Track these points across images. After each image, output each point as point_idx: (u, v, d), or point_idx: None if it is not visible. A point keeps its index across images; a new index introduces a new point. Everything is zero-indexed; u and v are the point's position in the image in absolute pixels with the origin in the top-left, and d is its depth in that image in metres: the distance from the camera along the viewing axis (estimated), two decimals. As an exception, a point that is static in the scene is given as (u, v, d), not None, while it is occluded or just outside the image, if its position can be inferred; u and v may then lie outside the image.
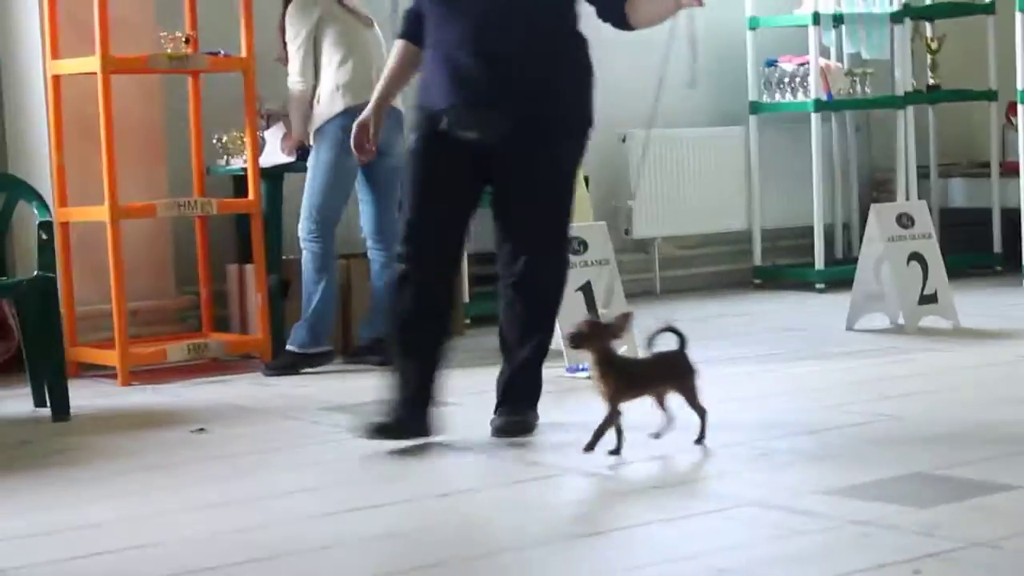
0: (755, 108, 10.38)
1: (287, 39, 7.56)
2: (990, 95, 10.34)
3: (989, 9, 10.29)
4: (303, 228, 7.51)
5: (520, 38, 5.56)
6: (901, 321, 8.03)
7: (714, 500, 4.81)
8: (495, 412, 5.80)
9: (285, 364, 7.45)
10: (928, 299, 8.08)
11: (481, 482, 5.28)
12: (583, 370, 6.80)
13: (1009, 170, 10.13)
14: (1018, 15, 9.88)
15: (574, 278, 6.84)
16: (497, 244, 5.86)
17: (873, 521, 4.27)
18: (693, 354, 5.51)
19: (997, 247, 10.39)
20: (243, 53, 7.63)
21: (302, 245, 7.60)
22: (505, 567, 4.12)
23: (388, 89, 6.03)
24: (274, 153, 7.58)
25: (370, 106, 5.90)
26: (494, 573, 4.14)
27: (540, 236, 5.78)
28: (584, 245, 7.24)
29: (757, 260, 10.48)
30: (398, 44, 5.93)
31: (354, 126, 5.87)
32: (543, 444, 5.69)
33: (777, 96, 10.27)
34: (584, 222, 7.46)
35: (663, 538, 4.38)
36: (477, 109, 5.57)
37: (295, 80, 7.55)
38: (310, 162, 7.61)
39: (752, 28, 10.38)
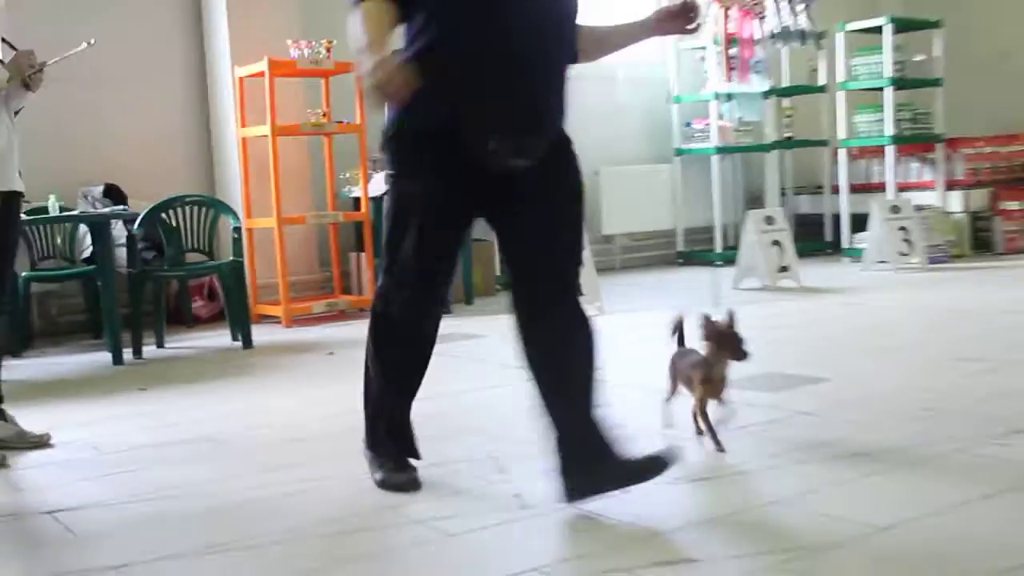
0: (678, 152, 10.45)
1: None
2: (823, 143, 10.38)
3: (823, 90, 10.30)
4: None
5: (558, 56, 3.20)
6: (767, 283, 8.10)
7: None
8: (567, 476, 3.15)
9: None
10: (784, 269, 8.22)
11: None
12: None
13: (834, 190, 10.20)
14: (839, 93, 9.96)
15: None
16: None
17: (748, 402, 4.27)
18: (645, 304, 5.54)
19: (828, 238, 10.42)
20: (358, 121, 7.71)
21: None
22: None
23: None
24: (378, 185, 7.68)
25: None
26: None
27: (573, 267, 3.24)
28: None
29: (680, 247, 10.56)
30: (370, 7, 3.07)
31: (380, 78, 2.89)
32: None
33: (692, 144, 10.31)
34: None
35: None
36: (529, 134, 3.09)
37: None
38: None
39: (676, 102, 10.44)
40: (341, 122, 7.83)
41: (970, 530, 2.67)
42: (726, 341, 3.55)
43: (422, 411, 3.39)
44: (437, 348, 3.26)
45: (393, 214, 3.21)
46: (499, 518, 2.96)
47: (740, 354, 3.53)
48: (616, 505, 2.96)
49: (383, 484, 3.37)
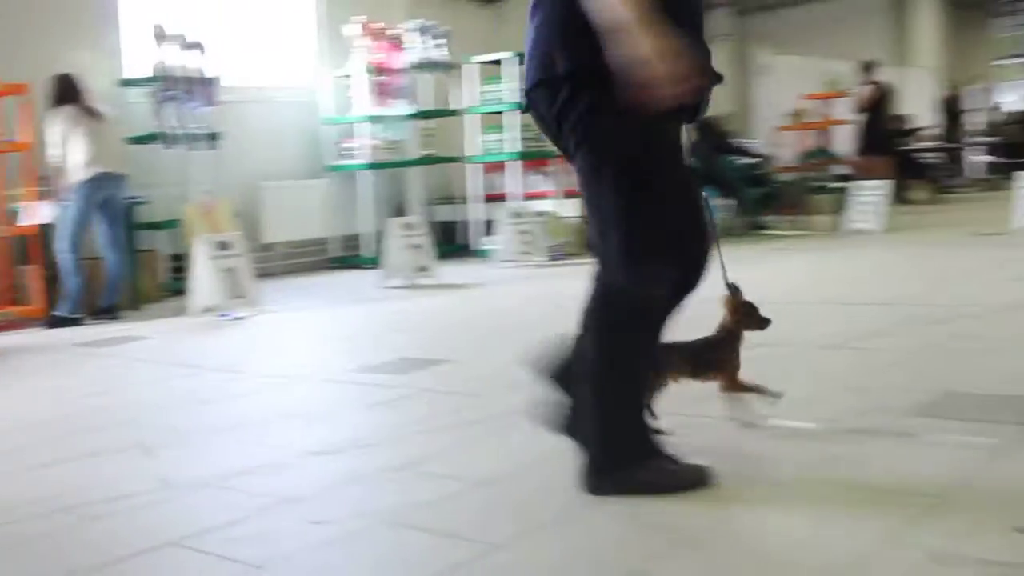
0: (331, 168, 10.53)
1: None
2: (458, 159, 10.77)
3: (456, 113, 10.69)
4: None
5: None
6: (409, 281, 8.33)
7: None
8: None
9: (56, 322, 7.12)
10: (423, 269, 8.47)
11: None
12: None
13: (468, 200, 10.60)
14: (471, 116, 10.38)
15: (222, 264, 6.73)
16: None
17: (381, 384, 4.45)
18: (295, 304, 5.55)
19: (463, 241, 10.80)
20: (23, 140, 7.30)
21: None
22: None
23: None
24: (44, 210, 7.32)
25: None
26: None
27: None
28: (229, 246, 7.14)
29: (333, 254, 10.62)
30: None
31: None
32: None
33: (343, 161, 10.43)
34: (229, 231, 7.48)
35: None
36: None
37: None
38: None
39: (328, 123, 10.52)
40: (11, 141, 7.43)
41: (549, 481, 2.88)
42: (751, 312, 3.24)
43: (88, 405, 3.35)
44: (102, 350, 3.25)
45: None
46: (146, 498, 2.93)
47: (765, 323, 3.25)
48: (257, 479, 3.02)
49: (682, 481, 2.76)
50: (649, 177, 2.60)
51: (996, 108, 23.31)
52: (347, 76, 10.19)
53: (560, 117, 2.65)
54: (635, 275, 2.65)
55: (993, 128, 21.43)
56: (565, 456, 2.75)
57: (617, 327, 2.69)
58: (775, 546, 2.32)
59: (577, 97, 2.60)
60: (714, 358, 3.19)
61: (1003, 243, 8.70)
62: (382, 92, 10.13)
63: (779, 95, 15.42)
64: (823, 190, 12.77)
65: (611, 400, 2.69)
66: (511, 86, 9.89)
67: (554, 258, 9.45)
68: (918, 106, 17.95)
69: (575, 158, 2.66)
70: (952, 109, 18.48)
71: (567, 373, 2.84)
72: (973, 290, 6.14)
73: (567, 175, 10.26)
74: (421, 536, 2.50)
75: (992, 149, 19.70)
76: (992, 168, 19.20)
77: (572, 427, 2.82)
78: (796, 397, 3.50)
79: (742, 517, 2.51)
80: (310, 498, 2.83)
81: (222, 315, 6.75)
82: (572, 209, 10.14)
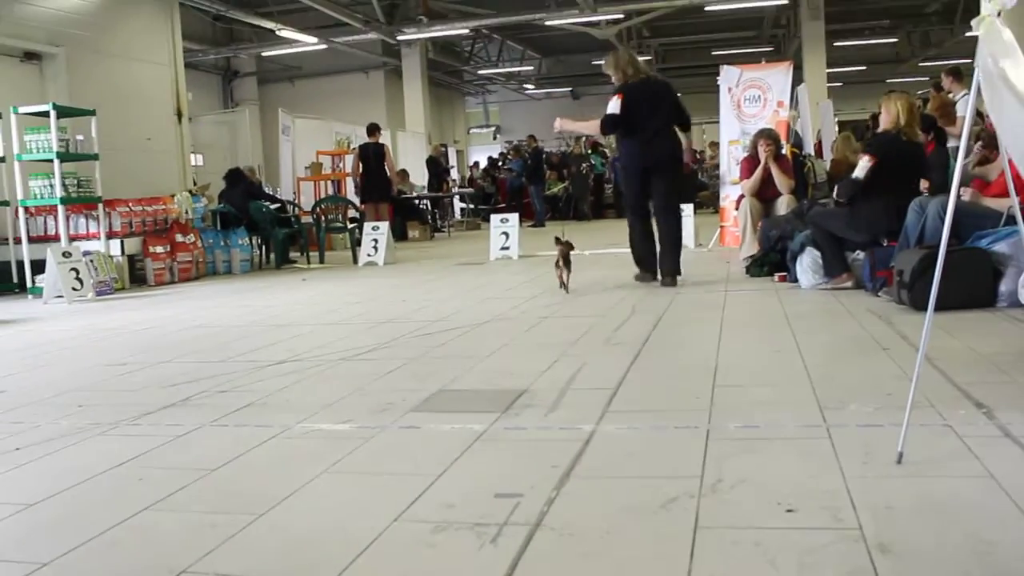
0: None
1: None
2: (6, 203, 9.79)
3: (3, 160, 9.53)
4: None
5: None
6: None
7: None
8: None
9: None
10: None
11: None
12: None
13: (17, 241, 9.59)
14: (17, 163, 9.30)
15: None
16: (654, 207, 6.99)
17: None
18: None
19: (16, 280, 9.80)
20: None
21: None
22: None
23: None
24: None
25: None
26: None
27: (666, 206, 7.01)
28: None
29: None
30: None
31: None
32: None
33: None
34: None
35: None
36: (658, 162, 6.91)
37: None
38: None
39: None
40: None
41: (92, 500, 2.62)
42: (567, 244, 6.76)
43: None
44: None
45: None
46: None
47: (569, 246, 6.85)
48: None
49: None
50: None
51: (475, 165, 26.15)
52: None
53: None
54: None
55: (469, 181, 24.29)
56: (104, 478, 2.50)
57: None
58: (301, 528, 2.27)
59: None
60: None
61: (481, 271, 9.37)
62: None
63: (299, 151, 15.74)
64: (339, 230, 13.11)
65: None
66: (54, 136, 9.00)
67: (102, 293, 8.78)
68: (412, 162, 19.21)
69: None
70: (438, 165, 19.83)
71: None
72: (458, 308, 6.46)
73: (112, 218, 9.65)
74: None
75: (469, 198, 21.78)
76: (470, 212, 21.14)
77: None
78: (323, 403, 3.50)
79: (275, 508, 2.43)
80: None
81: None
82: (118, 248, 9.50)
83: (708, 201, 18.43)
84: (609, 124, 6.94)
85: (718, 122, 10.92)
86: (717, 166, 13.17)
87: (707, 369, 3.83)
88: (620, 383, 3.71)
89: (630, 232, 6.97)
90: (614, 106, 6.78)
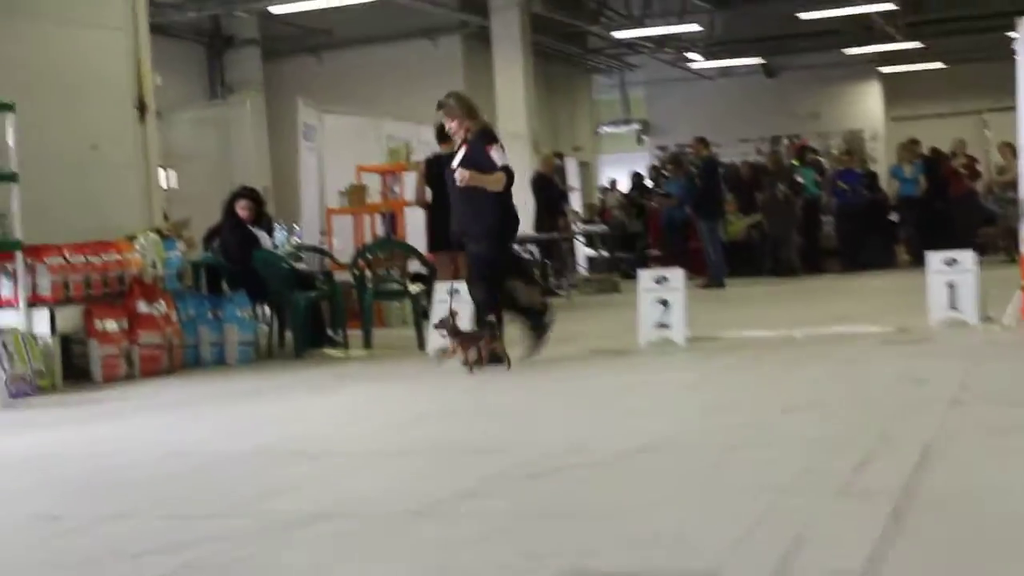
0: None
1: None
2: None
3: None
4: None
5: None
6: None
7: None
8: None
9: None
10: None
11: None
12: None
13: None
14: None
15: None
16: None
17: None
18: None
19: None
20: None
21: None
22: None
23: None
24: None
25: None
26: None
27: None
28: None
29: None
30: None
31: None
32: None
33: None
34: None
35: None
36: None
37: None
38: None
39: None
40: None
41: None
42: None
43: None
44: None
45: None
46: None
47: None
48: None
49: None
50: None
51: (610, 186, 20.03)
52: None
53: None
54: None
55: (600, 213, 18.09)
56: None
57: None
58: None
59: None
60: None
61: (625, 365, 7.87)
62: None
63: (330, 165, 12.11)
64: (394, 295, 10.19)
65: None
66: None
67: (18, 395, 7.18)
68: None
69: None
70: (550, 187, 14.94)
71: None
72: (589, 430, 5.09)
73: (38, 274, 7.52)
74: None
75: (601, 240, 17.02)
76: (604, 264, 16.60)
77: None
78: None
79: None
80: None
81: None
82: (45, 324, 7.75)
83: (998, 242, 14.31)
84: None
85: (1013, 108, 8.15)
86: (1014, 183, 9.85)
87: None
88: (872, 567, 2.75)
89: None
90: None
